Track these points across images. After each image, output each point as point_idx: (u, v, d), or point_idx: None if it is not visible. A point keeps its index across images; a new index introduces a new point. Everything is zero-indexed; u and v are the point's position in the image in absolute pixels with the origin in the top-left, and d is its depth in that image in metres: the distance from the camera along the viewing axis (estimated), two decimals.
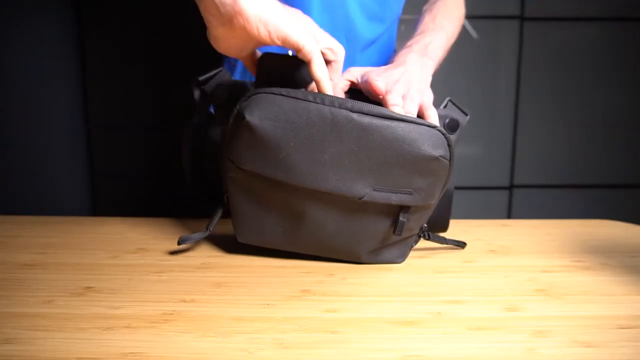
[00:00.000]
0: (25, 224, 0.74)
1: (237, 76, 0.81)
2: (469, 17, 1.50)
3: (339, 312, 0.48)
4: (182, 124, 0.75)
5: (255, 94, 0.53)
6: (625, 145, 1.60)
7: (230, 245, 0.65)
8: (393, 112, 0.52)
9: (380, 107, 0.52)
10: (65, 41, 1.47)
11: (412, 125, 0.52)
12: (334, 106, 0.51)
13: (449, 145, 0.53)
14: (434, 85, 0.65)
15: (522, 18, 1.50)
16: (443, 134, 0.53)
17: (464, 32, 1.51)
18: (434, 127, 0.53)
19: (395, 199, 0.54)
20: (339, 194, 0.53)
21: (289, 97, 0.52)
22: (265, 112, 0.51)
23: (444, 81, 1.47)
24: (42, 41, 1.32)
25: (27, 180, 1.23)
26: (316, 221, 0.56)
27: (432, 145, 0.52)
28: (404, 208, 0.55)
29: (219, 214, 0.61)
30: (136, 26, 1.53)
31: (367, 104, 0.52)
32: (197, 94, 0.65)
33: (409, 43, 0.69)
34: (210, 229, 0.60)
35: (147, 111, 1.58)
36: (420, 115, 0.59)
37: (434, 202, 0.56)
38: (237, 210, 0.59)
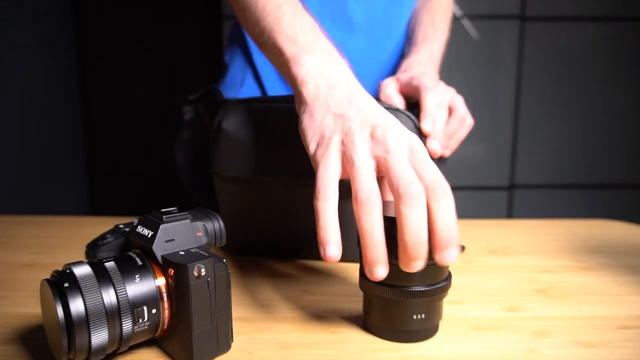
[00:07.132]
0: (25, 224, 0.74)
1: (242, 90, 0.77)
2: (469, 17, 1.51)
3: (339, 312, 0.48)
4: (181, 124, 0.75)
5: (228, 106, 0.57)
6: (625, 145, 1.60)
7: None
8: None
9: None
10: (65, 42, 1.47)
11: None
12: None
13: (416, 127, 0.56)
14: None
15: (522, 18, 1.50)
16: (408, 115, 0.56)
17: (464, 32, 1.52)
18: (396, 109, 0.56)
19: None
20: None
21: (258, 102, 0.57)
22: (239, 117, 0.56)
23: (444, 81, 1.47)
24: (42, 41, 1.32)
25: (27, 180, 1.23)
26: (300, 217, 0.57)
27: None
28: None
29: None
30: (136, 28, 1.53)
31: None
32: (187, 114, 0.68)
33: (418, 57, 0.68)
34: None
35: (147, 111, 1.58)
36: (418, 97, 0.59)
37: None
38: (227, 223, 0.61)
